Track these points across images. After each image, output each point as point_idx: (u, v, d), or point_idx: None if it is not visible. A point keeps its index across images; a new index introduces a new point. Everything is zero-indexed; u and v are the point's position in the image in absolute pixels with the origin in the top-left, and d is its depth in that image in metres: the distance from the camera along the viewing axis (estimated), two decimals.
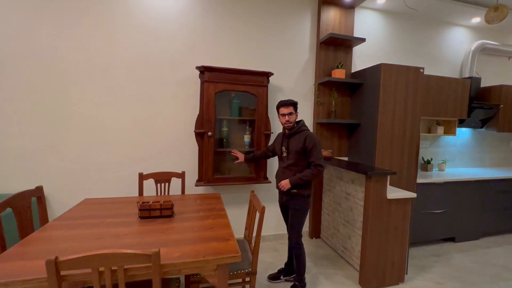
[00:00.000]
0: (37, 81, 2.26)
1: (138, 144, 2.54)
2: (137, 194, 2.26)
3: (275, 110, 2.88)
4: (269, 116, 2.72)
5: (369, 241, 2.15)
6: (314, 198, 3.09)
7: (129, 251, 1.02)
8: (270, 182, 2.76)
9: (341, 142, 3.17)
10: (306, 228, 3.02)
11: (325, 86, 3.02)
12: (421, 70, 2.71)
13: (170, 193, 2.38)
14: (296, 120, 2.05)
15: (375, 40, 3.24)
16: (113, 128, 2.47)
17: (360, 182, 2.36)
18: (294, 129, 2.01)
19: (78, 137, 2.39)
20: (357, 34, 3.12)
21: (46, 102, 2.30)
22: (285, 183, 1.98)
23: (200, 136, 2.52)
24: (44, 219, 1.68)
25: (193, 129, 2.54)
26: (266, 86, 2.63)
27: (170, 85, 2.60)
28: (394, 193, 2.19)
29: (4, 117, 2.22)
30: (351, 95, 3.12)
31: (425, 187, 2.91)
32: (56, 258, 0.96)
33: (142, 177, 2.24)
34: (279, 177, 2.11)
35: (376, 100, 2.64)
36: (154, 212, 1.67)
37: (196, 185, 2.52)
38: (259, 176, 2.70)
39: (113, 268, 1.02)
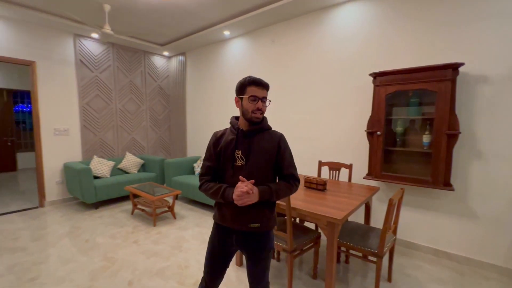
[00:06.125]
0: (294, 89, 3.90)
1: (321, 139, 3.41)
2: (316, 175, 3.13)
3: (463, 106, 2.37)
4: (456, 113, 2.36)
5: None
6: None
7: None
8: (453, 191, 2.38)
9: None
10: None
11: None
12: None
13: (340, 180, 2.98)
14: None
15: None
16: (308, 127, 3.54)
17: None
18: (261, 125, 1.37)
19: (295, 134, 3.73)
20: None
21: (290, 108, 3.88)
22: (248, 197, 1.21)
23: (370, 135, 2.84)
24: None
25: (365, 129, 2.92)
26: (450, 80, 2.31)
27: (351, 91, 3.15)
28: None
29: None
30: None
31: None
32: None
33: (320, 164, 3.08)
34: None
35: None
36: (312, 185, 2.45)
37: (364, 178, 2.88)
38: (437, 181, 2.43)
39: None
